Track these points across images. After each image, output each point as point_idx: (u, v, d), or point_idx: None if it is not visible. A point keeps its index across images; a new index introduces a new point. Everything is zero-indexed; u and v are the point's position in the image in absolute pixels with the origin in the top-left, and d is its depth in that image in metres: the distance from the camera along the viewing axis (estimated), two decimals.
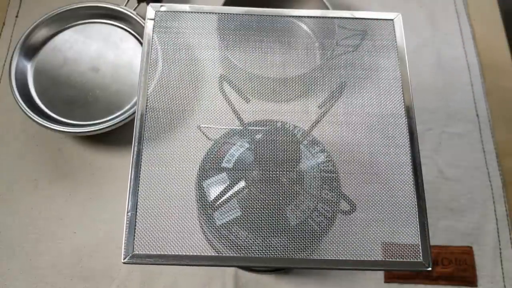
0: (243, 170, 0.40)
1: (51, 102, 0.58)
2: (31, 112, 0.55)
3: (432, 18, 0.68)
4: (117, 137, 0.58)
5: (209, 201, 0.38)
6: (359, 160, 0.38)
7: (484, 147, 0.60)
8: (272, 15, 0.42)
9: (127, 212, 0.34)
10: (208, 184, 0.39)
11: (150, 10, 0.41)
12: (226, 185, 0.38)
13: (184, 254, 0.33)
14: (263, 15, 0.41)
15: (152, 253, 0.33)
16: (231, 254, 0.36)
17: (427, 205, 0.35)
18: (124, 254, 0.33)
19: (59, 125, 0.55)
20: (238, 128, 0.41)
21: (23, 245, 0.53)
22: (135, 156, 0.36)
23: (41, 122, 0.54)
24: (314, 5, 0.62)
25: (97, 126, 0.55)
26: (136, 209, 0.34)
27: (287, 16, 0.42)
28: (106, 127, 0.55)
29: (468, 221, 0.55)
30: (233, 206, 0.38)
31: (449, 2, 0.70)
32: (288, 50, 0.43)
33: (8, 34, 0.65)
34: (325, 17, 0.45)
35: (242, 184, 0.38)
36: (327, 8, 0.61)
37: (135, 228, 0.33)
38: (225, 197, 0.38)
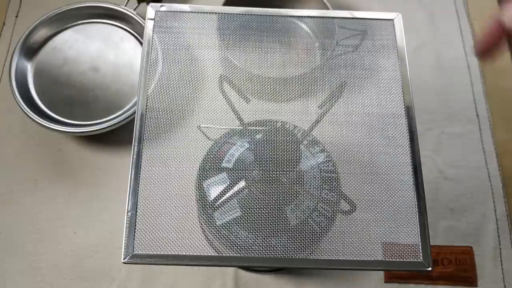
0: (243, 170, 0.40)
1: (51, 102, 0.58)
2: (31, 112, 0.54)
3: (432, 18, 0.68)
4: (117, 137, 0.58)
5: (209, 201, 0.38)
6: (359, 160, 0.38)
7: (484, 147, 0.59)
8: (272, 15, 0.42)
9: (127, 212, 0.34)
10: (208, 184, 0.39)
11: (150, 10, 0.41)
12: (226, 185, 0.38)
13: (184, 254, 0.33)
14: (263, 15, 0.41)
15: (152, 253, 0.33)
16: (231, 254, 0.36)
17: (427, 205, 0.35)
18: (124, 254, 0.33)
19: (59, 125, 0.55)
20: (238, 128, 0.41)
21: (23, 245, 0.53)
22: (135, 156, 0.36)
23: (41, 122, 0.54)
24: (314, 5, 0.62)
25: (97, 126, 0.55)
26: (136, 209, 0.34)
27: (287, 16, 0.42)
28: (106, 127, 0.54)
29: (468, 221, 0.55)
30: (233, 206, 0.38)
31: (449, 2, 0.70)
32: (288, 50, 0.43)
33: (8, 34, 0.65)
34: (325, 17, 0.45)
35: (242, 184, 0.38)
36: (327, 8, 0.61)
37: (135, 228, 0.33)
38: (225, 197, 0.38)
